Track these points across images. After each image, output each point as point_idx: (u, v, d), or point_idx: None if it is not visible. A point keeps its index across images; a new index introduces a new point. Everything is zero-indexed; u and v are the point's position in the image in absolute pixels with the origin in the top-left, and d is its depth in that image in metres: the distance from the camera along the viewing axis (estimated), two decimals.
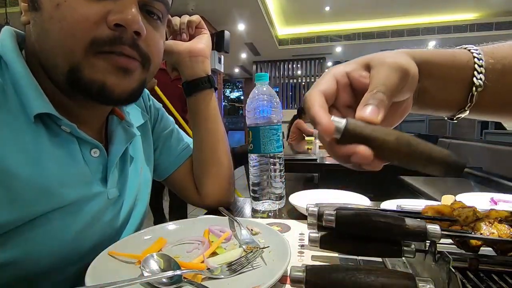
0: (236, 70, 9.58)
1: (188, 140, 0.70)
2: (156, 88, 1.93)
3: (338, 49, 7.03)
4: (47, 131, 0.40)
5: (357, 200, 0.65)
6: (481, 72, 0.32)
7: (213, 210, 0.63)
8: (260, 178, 0.65)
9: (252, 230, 0.47)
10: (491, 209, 0.38)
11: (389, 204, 0.58)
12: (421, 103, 0.35)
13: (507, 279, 0.34)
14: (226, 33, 0.75)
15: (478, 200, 0.68)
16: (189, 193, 0.68)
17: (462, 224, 0.36)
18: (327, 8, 5.47)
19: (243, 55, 7.64)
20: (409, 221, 0.31)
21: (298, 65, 8.14)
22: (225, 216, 0.52)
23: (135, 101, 0.47)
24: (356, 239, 0.34)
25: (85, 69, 0.38)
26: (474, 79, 0.32)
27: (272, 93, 0.65)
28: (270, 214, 0.64)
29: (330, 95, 0.30)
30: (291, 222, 0.57)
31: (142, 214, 0.57)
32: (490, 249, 0.35)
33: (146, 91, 0.65)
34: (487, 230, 0.33)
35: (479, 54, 0.33)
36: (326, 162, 1.80)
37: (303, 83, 8.22)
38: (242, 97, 13.50)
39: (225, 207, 0.60)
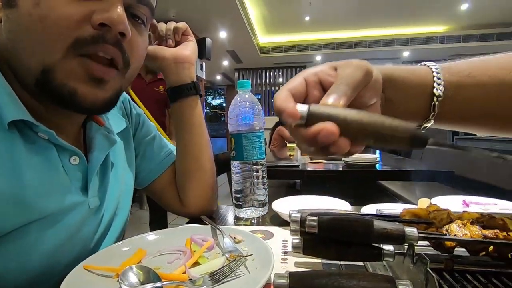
0: (218, 77, 9.59)
1: (171, 147, 0.69)
2: (131, 92, 1.88)
3: (318, 57, 7.22)
4: (23, 139, 0.37)
5: (339, 206, 0.66)
6: (440, 84, 0.35)
7: (195, 219, 0.62)
8: (242, 185, 0.64)
9: (235, 238, 0.46)
10: (463, 211, 0.40)
11: (369, 209, 0.60)
12: (388, 113, 0.37)
13: (480, 279, 0.36)
14: (208, 40, 0.76)
15: (452, 202, 0.71)
16: (171, 202, 0.66)
17: (437, 226, 0.38)
18: (307, 18, 5.63)
19: (225, 63, 7.67)
20: (388, 225, 0.32)
21: (280, 73, 8.27)
22: (208, 224, 0.52)
23: (109, 110, 0.45)
24: (338, 244, 0.35)
25: (58, 72, 0.36)
26: (434, 90, 0.35)
27: (254, 100, 0.66)
28: (253, 221, 0.64)
29: (299, 93, 0.32)
30: (274, 229, 0.57)
31: (123, 223, 0.55)
32: (464, 249, 0.37)
33: (126, 96, 0.63)
34: (460, 232, 0.35)
35: (437, 69, 0.36)
36: (308, 169, 1.82)
37: None
38: (224, 104, 13.49)
39: (207, 215, 0.59)
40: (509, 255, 0.33)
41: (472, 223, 0.36)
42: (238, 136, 0.64)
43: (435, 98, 0.35)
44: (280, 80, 8.31)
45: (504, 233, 0.33)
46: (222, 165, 1.16)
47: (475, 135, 2.95)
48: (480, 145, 2.55)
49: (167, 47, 0.62)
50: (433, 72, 0.36)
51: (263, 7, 5.16)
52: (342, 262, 0.43)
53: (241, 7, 4.51)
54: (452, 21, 5.76)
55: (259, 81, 8.40)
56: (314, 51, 6.81)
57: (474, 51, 6.50)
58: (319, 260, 0.44)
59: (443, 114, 0.36)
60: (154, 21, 0.59)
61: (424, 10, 5.26)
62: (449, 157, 2.55)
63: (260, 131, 0.65)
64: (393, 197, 2.01)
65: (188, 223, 0.62)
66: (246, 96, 0.65)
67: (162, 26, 0.63)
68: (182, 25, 0.64)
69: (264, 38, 6.78)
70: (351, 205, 0.67)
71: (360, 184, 2.03)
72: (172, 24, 0.64)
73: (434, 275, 0.29)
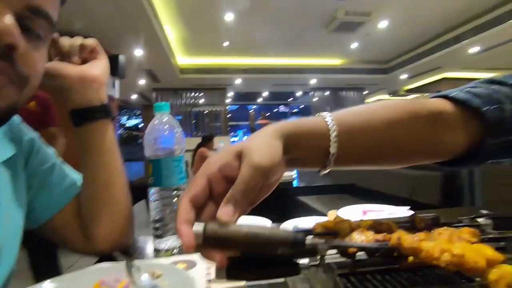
0: (134, 96, 8.97)
1: (75, 175, 0.60)
2: None
3: (238, 81, 7.57)
4: None
5: (260, 224, 0.68)
6: (335, 142, 0.40)
7: (106, 257, 0.55)
8: (162, 213, 0.61)
9: (154, 273, 0.43)
10: (361, 220, 0.47)
11: (287, 225, 0.64)
12: (291, 167, 0.41)
13: (377, 277, 0.42)
14: (121, 57, 0.71)
15: (354, 212, 0.83)
16: (75, 239, 0.57)
17: (342, 236, 0.43)
18: (226, 44, 5.89)
19: (142, 82, 7.26)
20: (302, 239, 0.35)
21: (201, 94, 8.28)
22: (121, 261, 0.46)
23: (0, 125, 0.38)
24: (260, 264, 0.36)
25: None
26: (330, 148, 0.40)
27: (173, 123, 0.64)
28: (175, 251, 0.60)
29: (201, 197, 0.33)
30: (198, 257, 0.55)
31: (7, 272, 0.44)
32: (364, 253, 0.43)
33: (16, 118, 0.53)
34: (359, 238, 0.40)
35: (332, 121, 0.40)
36: None
37: (206, 112, 8.38)
38: (141, 125, 12.60)
39: (122, 250, 0.53)
40: (394, 254, 0.40)
41: (368, 229, 0.42)
42: (156, 162, 0.61)
43: (330, 154, 0.40)
44: (202, 101, 8.31)
45: (389, 235, 0.40)
46: (139, 192, 1.07)
47: None
48: None
49: (72, 64, 0.56)
50: (328, 127, 0.40)
51: (183, 29, 5.18)
52: (265, 282, 0.44)
53: (158, 26, 4.41)
54: (347, 56, 6.89)
55: (179, 102, 8.21)
56: (233, 74, 7.12)
57: (363, 81, 7.89)
58: (243, 283, 0.44)
59: (339, 162, 0.41)
60: (56, 34, 0.53)
61: (326, 46, 6.16)
62: (353, 170, 2.95)
63: (181, 155, 0.63)
64: (310, 211, 2.19)
65: (97, 262, 0.54)
66: (165, 119, 0.63)
67: (65, 41, 0.56)
68: (90, 41, 0.58)
69: (185, 59, 6.74)
70: (272, 222, 0.71)
71: (280, 201, 2.15)
72: (78, 40, 0.57)
73: (340, 280, 0.33)
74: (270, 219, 0.72)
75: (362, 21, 4.86)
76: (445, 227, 0.40)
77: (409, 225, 0.46)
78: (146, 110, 9.42)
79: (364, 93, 8.82)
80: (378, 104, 0.46)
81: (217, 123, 8.51)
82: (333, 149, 0.40)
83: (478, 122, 0.45)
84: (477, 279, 0.31)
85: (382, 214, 0.77)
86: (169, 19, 4.74)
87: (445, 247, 0.31)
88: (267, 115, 13.23)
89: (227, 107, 8.78)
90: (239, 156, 0.34)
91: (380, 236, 0.40)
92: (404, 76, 7.62)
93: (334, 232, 0.44)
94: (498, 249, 0.40)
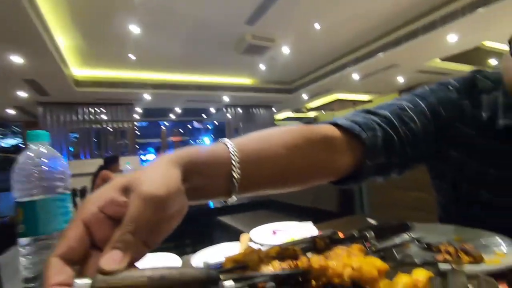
0: (11, 111, 7.35)
1: None
2: None
3: (147, 96, 7.10)
4: None
5: (167, 264, 0.62)
6: (238, 168, 0.39)
7: None
8: (38, 269, 0.49)
9: None
10: (270, 247, 0.48)
11: (198, 260, 0.60)
12: (196, 198, 0.38)
13: None
14: None
15: (266, 233, 0.85)
16: None
17: (252, 268, 0.42)
18: (132, 57, 5.49)
19: (22, 94, 6.02)
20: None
21: (103, 109, 7.40)
22: None
23: None
24: None
25: None
26: (233, 173, 0.39)
27: (53, 154, 0.53)
28: None
29: (78, 249, 0.27)
30: None
31: None
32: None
33: None
34: (266, 269, 0.40)
35: (233, 147, 0.40)
36: None
37: (110, 128, 7.50)
38: (22, 145, 10.35)
39: None
40: (299, 279, 0.41)
41: (274, 258, 0.43)
42: (29, 204, 0.49)
43: (234, 181, 0.39)
44: (104, 117, 7.43)
45: (295, 262, 0.42)
46: (12, 235, 0.85)
47: None
48: None
49: None
50: (231, 154, 0.39)
51: (79, 38, 4.57)
52: None
53: (45, 33, 3.79)
54: (256, 76, 7.37)
55: (76, 118, 7.13)
56: (141, 89, 6.65)
57: (272, 100, 8.54)
58: None
59: (243, 189, 0.41)
60: None
61: (237, 66, 6.44)
62: None
63: (65, 193, 0.53)
64: (231, 232, 2.16)
65: None
66: (43, 151, 0.52)
67: None
68: None
69: (81, 71, 5.95)
70: (189, 247, 0.66)
71: (200, 224, 2.07)
72: None
73: None
74: (185, 245, 0.67)
75: (268, 46, 5.30)
76: (338, 246, 0.44)
77: (311, 245, 0.49)
78: (29, 127, 7.82)
79: (273, 110, 9.54)
80: (276, 130, 0.48)
81: (124, 141, 7.71)
82: (236, 175, 0.39)
83: (359, 146, 0.53)
84: None
85: (290, 232, 0.82)
86: (61, 27, 4.13)
87: (346, 262, 0.34)
88: (180, 131, 12.82)
89: (135, 124, 8.09)
90: (126, 189, 0.29)
91: (285, 265, 0.41)
92: (305, 96, 8.61)
93: (243, 266, 0.43)
94: (380, 258, 0.47)
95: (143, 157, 11.26)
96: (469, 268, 0.47)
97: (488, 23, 4.40)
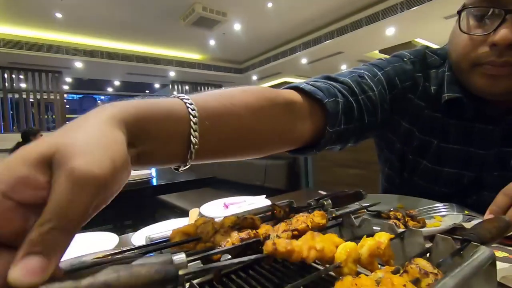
0: None
1: None
2: None
3: (79, 64, 6.25)
4: None
5: (104, 241, 0.54)
6: (195, 130, 0.33)
7: None
8: None
9: None
10: (224, 217, 0.43)
11: (139, 237, 0.53)
12: (142, 164, 0.30)
13: (241, 274, 0.40)
14: None
15: (217, 207, 0.80)
16: None
17: (205, 240, 0.37)
18: (59, 15, 4.71)
19: None
20: (153, 259, 0.27)
21: (22, 76, 6.31)
22: None
23: None
24: None
25: None
26: (191, 137, 0.32)
27: None
28: None
29: None
30: None
31: None
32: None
33: None
34: (223, 240, 0.36)
35: (193, 108, 0.33)
36: None
37: (32, 100, 6.44)
38: None
39: None
40: (259, 247, 0.38)
41: (232, 228, 0.39)
42: None
43: (191, 146, 0.33)
44: (25, 85, 6.35)
45: (254, 231, 0.38)
46: None
47: None
48: None
49: None
50: (189, 111, 0.33)
51: None
52: None
53: None
54: (206, 52, 7.04)
55: None
56: (71, 55, 5.81)
57: (221, 78, 8.33)
58: None
59: (200, 154, 0.35)
60: None
61: (185, 40, 6.03)
62: (213, 164, 3.03)
63: None
64: (172, 209, 2.07)
65: None
66: None
67: None
68: None
69: None
70: (130, 229, 0.57)
71: (138, 204, 1.92)
72: None
73: None
74: (125, 226, 0.58)
75: (219, 20, 5.06)
76: (301, 214, 0.41)
77: (270, 215, 0.46)
78: None
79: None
80: (237, 89, 0.42)
81: (51, 115, 6.74)
82: (194, 138, 0.33)
83: (320, 113, 0.51)
84: (328, 265, 0.32)
85: (243, 206, 0.79)
86: None
87: (311, 244, 0.31)
88: None
89: (64, 96, 7.11)
90: (47, 163, 0.20)
91: (244, 234, 0.37)
92: (254, 77, 8.59)
93: (195, 238, 0.38)
94: (337, 224, 0.46)
95: None
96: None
97: (420, 21, 4.88)
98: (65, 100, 7.15)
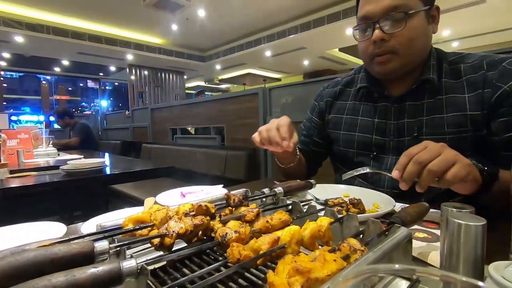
0: None
1: None
2: None
3: (19, 38, 5.55)
4: None
5: (50, 230, 0.51)
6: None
7: None
8: None
9: None
10: (179, 204, 0.44)
11: (90, 226, 0.51)
12: None
13: (195, 259, 0.41)
14: None
15: (174, 196, 0.80)
16: None
17: (158, 226, 0.38)
18: None
19: None
20: (75, 246, 0.28)
21: None
22: None
23: None
24: None
25: None
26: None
27: None
28: None
29: None
30: None
31: None
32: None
33: None
34: (177, 226, 0.37)
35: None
36: (7, 187, 1.33)
37: None
38: None
39: None
40: (211, 234, 0.40)
41: (186, 215, 0.40)
42: None
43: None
44: None
45: (208, 218, 0.40)
46: None
47: (189, 133, 3.67)
48: (192, 142, 3.17)
49: None
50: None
51: None
52: None
53: None
54: (167, 37, 6.71)
55: None
56: (11, 27, 5.14)
57: (184, 65, 8.03)
58: None
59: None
60: None
61: (145, 22, 5.67)
62: (171, 153, 2.95)
63: None
64: (127, 200, 1.98)
65: None
66: None
67: None
68: None
69: None
70: (79, 220, 0.55)
71: (88, 194, 1.81)
72: None
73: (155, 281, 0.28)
74: (74, 217, 0.56)
75: (182, 4, 4.86)
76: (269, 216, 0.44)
77: (225, 203, 0.48)
78: None
79: (184, 77, 9.02)
80: None
81: None
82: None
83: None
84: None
85: (200, 195, 0.80)
86: None
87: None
88: (68, 89, 10.76)
89: (1, 73, 6.29)
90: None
91: (197, 220, 0.38)
92: (218, 67, 8.44)
93: (148, 225, 0.38)
94: (287, 211, 0.50)
95: (14, 117, 9.02)
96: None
97: None
98: (1, 78, 6.33)
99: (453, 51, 0.80)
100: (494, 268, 0.30)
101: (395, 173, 0.53)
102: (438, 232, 0.52)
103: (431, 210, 0.48)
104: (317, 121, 1.00)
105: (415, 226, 0.53)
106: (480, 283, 0.15)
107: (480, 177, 0.56)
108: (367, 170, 0.66)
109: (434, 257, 0.42)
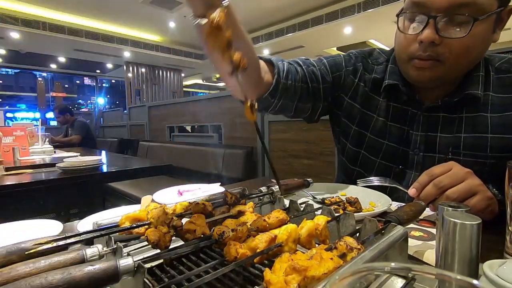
0: None
1: None
2: None
3: (15, 34, 5.50)
4: None
5: (45, 228, 0.51)
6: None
7: None
8: None
9: None
10: (176, 203, 0.44)
11: (86, 224, 0.51)
12: None
13: (191, 257, 0.41)
14: None
15: (171, 194, 0.80)
16: None
17: (155, 225, 0.38)
18: None
19: None
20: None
21: None
22: None
23: None
24: None
25: None
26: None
27: None
28: None
29: None
30: None
31: None
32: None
33: None
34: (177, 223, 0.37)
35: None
36: (1, 184, 1.32)
37: None
38: None
39: None
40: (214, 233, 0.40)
41: (184, 213, 0.40)
42: None
43: None
44: None
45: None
46: None
47: (187, 131, 3.65)
48: (189, 140, 3.16)
49: None
50: None
51: None
52: None
53: None
54: (165, 35, 6.68)
55: None
56: (6, 23, 5.08)
57: (181, 63, 8.00)
58: None
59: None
60: None
61: (143, 19, 5.64)
62: (168, 151, 2.94)
63: None
64: (124, 197, 1.98)
65: None
66: None
67: None
68: None
69: None
70: (75, 218, 0.55)
71: (85, 192, 1.80)
72: None
73: (150, 281, 0.28)
74: (71, 215, 0.55)
75: (180, 1, 4.83)
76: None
77: (222, 201, 0.48)
78: None
79: (182, 75, 8.98)
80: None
81: None
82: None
83: (272, 69, 0.67)
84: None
85: (198, 193, 0.80)
86: None
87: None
88: (65, 86, 10.67)
89: None
90: None
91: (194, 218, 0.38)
92: None
93: (146, 223, 0.38)
94: (285, 210, 0.50)
95: (10, 114, 8.94)
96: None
97: (374, 23, 5.20)
98: None
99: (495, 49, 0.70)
100: (489, 267, 0.31)
101: (412, 191, 0.51)
102: (434, 231, 0.53)
103: (427, 209, 0.49)
104: (325, 73, 0.76)
105: (411, 225, 0.54)
106: (475, 282, 0.15)
107: (498, 208, 0.52)
108: (386, 183, 0.64)
109: (430, 256, 0.42)
